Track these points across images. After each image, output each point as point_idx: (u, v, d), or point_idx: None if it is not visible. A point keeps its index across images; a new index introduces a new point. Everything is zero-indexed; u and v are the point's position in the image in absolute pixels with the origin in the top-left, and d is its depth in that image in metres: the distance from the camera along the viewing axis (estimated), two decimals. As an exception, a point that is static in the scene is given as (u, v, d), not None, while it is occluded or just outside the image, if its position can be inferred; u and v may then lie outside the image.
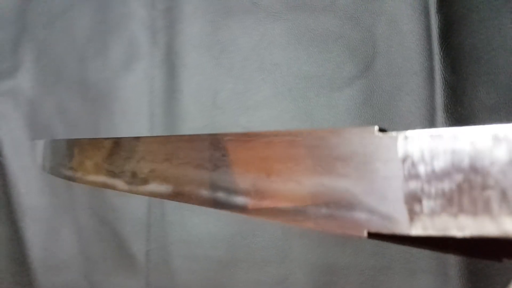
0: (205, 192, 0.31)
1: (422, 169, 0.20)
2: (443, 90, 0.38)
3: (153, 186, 0.36)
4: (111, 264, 0.48)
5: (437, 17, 0.39)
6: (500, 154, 0.17)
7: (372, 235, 0.22)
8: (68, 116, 0.53)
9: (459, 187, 0.19)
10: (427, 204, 0.19)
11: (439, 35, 0.39)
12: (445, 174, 0.19)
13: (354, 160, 0.22)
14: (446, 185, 0.19)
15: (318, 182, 0.24)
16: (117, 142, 0.40)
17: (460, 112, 0.37)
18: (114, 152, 0.41)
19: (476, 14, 0.38)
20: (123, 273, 0.47)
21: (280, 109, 0.44)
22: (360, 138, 0.23)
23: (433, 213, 0.19)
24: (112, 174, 0.41)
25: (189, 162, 0.33)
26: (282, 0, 0.46)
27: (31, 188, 0.53)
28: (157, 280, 0.46)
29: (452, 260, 0.31)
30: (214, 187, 0.31)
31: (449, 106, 0.38)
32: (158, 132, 0.47)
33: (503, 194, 0.17)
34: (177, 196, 0.34)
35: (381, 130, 0.24)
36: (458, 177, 0.19)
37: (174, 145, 0.34)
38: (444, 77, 0.38)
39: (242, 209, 0.29)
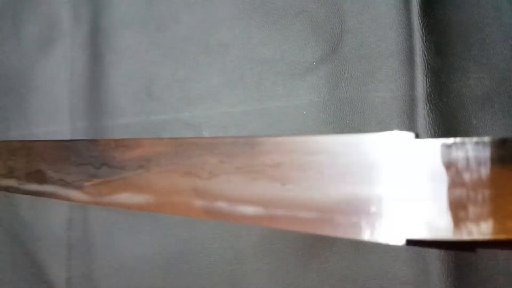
0: (199, 202, 0.29)
1: (467, 177, 0.21)
2: (425, 76, 0.32)
3: (125, 197, 0.33)
4: (25, 294, 0.41)
5: None
6: None
7: (410, 242, 0.22)
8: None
9: (507, 193, 0.19)
10: (473, 211, 0.20)
11: (420, 8, 0.33)
12: (491, 180, 0.20)
13: (391, 168, 0.23)
14: (493, 191, 0.20)
15: (346, 191, 0.24)
16: (67, 146, 0.36)
17: (445, 103, 0.32)
18: (63, 157, 0.36)
19: None
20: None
21: (229, 100, 0.37)
22: (395, 144, 0.24)
23: (479, 218, 0.20)
24: (63, 183, 0.36)
25: (174, 170, 0.30)
26: (231, -34, 0.38)
27: None
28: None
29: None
30: (210, 196, 0.29)
31: (432, 96, 0.32)
32: (80, 129, 0.40)
33: None
34: (159, 207, 0.31)
35: (417, 136, 0.24)
36: (505, 183, 0.20)
37: (150, 149, 0.32)
38: (426, 59, 0.32)
39: (249, 219, 0.28)
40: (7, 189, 0.39)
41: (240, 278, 0.34)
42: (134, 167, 0.33)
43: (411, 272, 0.28)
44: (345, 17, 0.35)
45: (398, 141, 0.23)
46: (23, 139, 0.42)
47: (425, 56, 0.32)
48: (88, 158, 0.35)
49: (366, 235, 0.23)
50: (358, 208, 0.23)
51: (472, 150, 0.21)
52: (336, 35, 0.35)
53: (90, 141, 0.36)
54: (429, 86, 0.32)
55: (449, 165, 0.21)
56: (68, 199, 0.36)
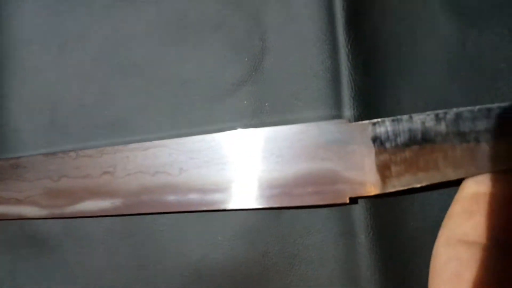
0: (170, 197, 0.32)
1: (388, 145, 0.28)
2: (352, 98, 0.30)
3: (89, 204, 0.33)
4: None
5: None
6: (441, 128, 0.26)
7: (352, 200, 0.29)
8: None
9: (416, 154, 0.27)
10: (394, 169, 0.28)
11: (346, 22, 0.30)
12: (405, 146, 0.27)
13: (334, 146, 0.29)
14: (407, 154, 0.27)
15: (302, 168, 0.29)
16: (18, 163, 0.36)
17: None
18: (14, 174, 0.35)
19: None
20: None
21: (142, 128, 0.34)
22: (336, 127, 0.29)
23: (399, 174, 0.27)
24: (14, 201, 0.35)
25: (142, 172, 0.32)
26: (142, -24, 0.35)
27: None
28: None
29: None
30: (183, 190, 0.32)
31: (361, 119, 0.30)
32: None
33: (445, 155, 0.26)
34: (128, 209, 0.33)
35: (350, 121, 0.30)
36: (415, 147, 0.27)
37: (115, 155, 0.33)
38: (353, 79, 0.30)
39: (221, 203, 0.31)
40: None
41: None
42: (98, 175, 0.33)
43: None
44: (267, 33, 0.31)
45: (337, 125, 0.29)
46: None
47: (352, 75, 0.30)
48: (45, 172, 0.34)
49: (319, 200, 0.29)
50: (312, 180, 0.29)
51: (389, 126, 0.28)
52: (257, 53, 0.32)
53: (46, 154, 0.34)
54: (357, 108, 0.30)
55: (374, 138, 0.28)
56: (20, 217, 0.35)
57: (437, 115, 0.26)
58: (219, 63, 0.32)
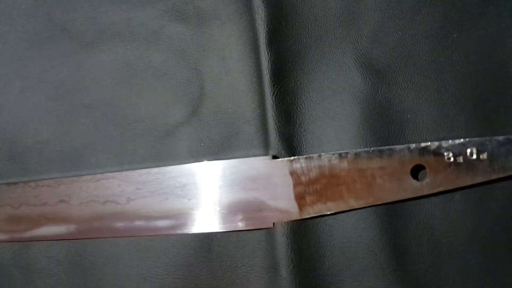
0: (119, 224, 0.35)
1: (303, 179, 0.32)
2: (278, 143, 0.34)
3: (46, 230, 0.36)
4: None
5: (267, 54, 0.34)
6: (344, 165, 0.31)
7: (275, 224, 0.33)
8: None
9: (325, 186, 0.32)
10: (308, 199, 0.32)
11: (271, 76, 0.34)
12: (316, 179, 0.32)
13: (260, 179, 0.33)
14: (318, 186, 0.32)
15: (235, 197, 0.33)
16: None
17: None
18: None
19: (314, 51, 0.35)
20: None
21: (90, 163, 0.37)
22: (261, 163, 0.33)
23: (312, 203, 0.32)
24: None
25: (94, 200, 0.35)
26: (97, 28, 0.38)
27: None
28: None
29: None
30: (130, 218, 0.35)
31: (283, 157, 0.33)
32: None
33: (348, 187, 0.31)
34: (81, 234, 0.36)
35: (274, 157, 0.34)
36: (324, 180, 0.32)
37: (70, 186, 0.36)
38: (277, 127, 0.34)
39: (164, 229, 0.34)
40: None
41: None
42: (55, 203, 0.36)
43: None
44: (205, 81, 0.36)
45: (263, 161, 0.33)
46: None
47: (276, 123, 0.34)
48: (6, 200, 0.36)
49: (249, 225, 0.33)
50: (242, 208, 0.33)
51: (304, 162, 0.32)
52: (196, 99, 0.36)
53: (8, 184, 0.37)
54: (280, 149, 0.33)
55: (292, 173, 0.32)
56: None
57: (340, 154, 0.31)
58: (163, 106, 0.36)
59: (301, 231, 0.33)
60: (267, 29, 0.34)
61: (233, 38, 0.36)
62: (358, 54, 0.34)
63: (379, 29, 0.34)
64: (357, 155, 0.31)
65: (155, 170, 0.35)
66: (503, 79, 0.32)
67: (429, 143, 0.30)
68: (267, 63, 0.34)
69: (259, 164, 0.33)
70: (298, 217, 0.32)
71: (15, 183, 0.37)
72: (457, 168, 0.30)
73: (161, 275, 0.34)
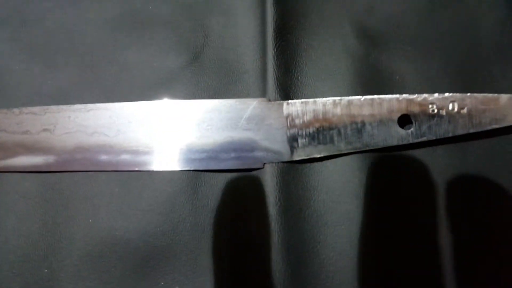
0: (104, 157, 0.34)
1: (297, 121, 0.33)
2: (276, 91, 0.35)
3: (20, 160, 0.34)
4: None
5: (273, 11, 0.37)
6: (337, 111, 0.33)
7: (266, 166, 0.33)
8: None
9: (317, 130, 0.33)
10: (300, 141, 0.33)
11: (275, 31, 0.37)
12: (310, 123, 0.33)
13: (255, 119, 0.34)
14: (311, 129, 0.33)
15: (228, 135, 0.33)
16: None
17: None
18: None
19: (315, 14, 0.38)
20: None
21: (83, 101, 0.36)
22: (258, 104, 0.34)
23: (304, 146, 0.33)
24: None
25: (81, 131, 0.34)
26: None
27: None
28: None
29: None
30: (116, 151, 0.34)
31: None
32: None
33: (339, 132, 0.33)
34: (60, 166, 0.34)
35: (269, 100, 0.35)
36: (317, 124, 0.33)
37: (57, 115, 0.34)
38: (276, 77, 0.35)
39: (152, 164, 0.34)
40: None
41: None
42: (37, 131, 0.34)
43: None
44: (209, 33, 0.38)
45: (259, 102, 0.34)
46: None
47: (276, 73, 0.35)
48: None
49: (240, 165, 0.33)
50: (234, 147, 0.34)
51: (299, 106, 0.34)
52: (199, 47, 0.37)
53: None
54: (277, 98, 0.35)
55: (287, 115, 0.34)
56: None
57: (334, 100, 0.33)
58: (164, 51, 0.37)
59: (290, 173, 0.33)
60: None
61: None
62: (355, 21, 0.37)
63: (374, 1, 0.38)
64: (350, 101, 0.33)
65: (150, 103, 0.35)
66: (480, 48, 0.36)
67: (416, 95, 0.33)
68: (271, 19, 0.37)
69: (255, 105, 0.34)
70: (289, 159, 0.33)
71: None
72: (440, 120, 0.32)
73: (141, 211, 0.33)
